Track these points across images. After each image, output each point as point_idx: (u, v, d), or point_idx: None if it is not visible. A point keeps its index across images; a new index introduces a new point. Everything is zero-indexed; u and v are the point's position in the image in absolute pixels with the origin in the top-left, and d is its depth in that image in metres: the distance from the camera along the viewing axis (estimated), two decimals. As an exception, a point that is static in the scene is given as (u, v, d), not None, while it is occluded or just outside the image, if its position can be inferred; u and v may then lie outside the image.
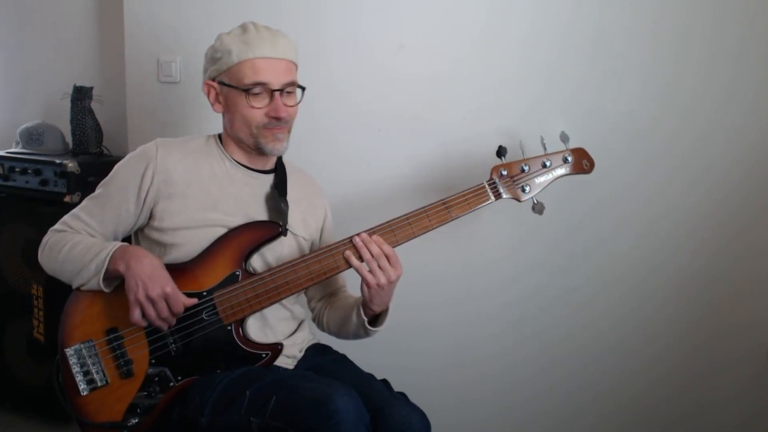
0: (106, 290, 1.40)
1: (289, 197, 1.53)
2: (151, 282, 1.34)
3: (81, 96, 2.20)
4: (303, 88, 1.50)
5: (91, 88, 2.22)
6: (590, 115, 1.73)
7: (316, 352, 1.58)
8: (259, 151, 1.47)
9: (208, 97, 1.51)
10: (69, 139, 2.28)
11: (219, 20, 1.97)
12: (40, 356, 2.14)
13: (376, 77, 1.92)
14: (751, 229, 1.67)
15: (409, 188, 1.89)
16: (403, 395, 1.44)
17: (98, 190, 1.48)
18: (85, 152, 2.22)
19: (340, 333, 1.56)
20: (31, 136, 2.28)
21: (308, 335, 1.60)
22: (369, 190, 1.95)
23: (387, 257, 1.39)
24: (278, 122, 1.45)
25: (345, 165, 1.96)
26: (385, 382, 1.48)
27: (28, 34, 2.55)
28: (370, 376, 1.48)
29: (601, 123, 1.73)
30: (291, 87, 1.47)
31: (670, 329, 1.77)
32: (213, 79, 1.48)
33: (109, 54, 2.41)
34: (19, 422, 2.23)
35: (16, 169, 2.14)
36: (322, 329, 1.62)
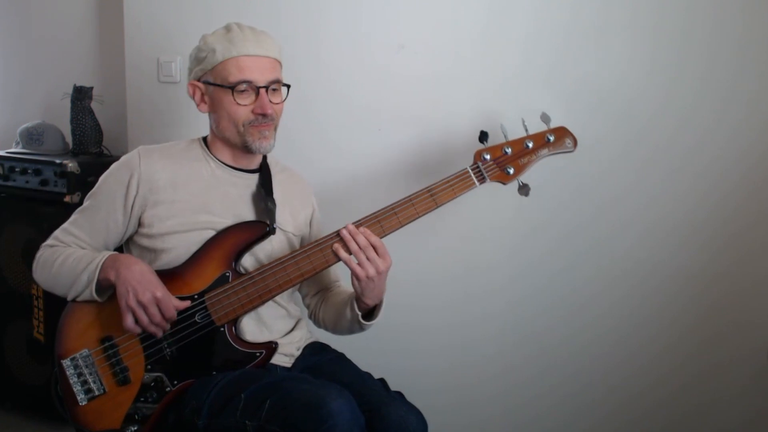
0: (99, 300, 1.41)
1: (276, 195, 1.53)
2: (141, 287, 1.34)
3: (81, 96, 2.20)
4: (288, 86, 1.51)
5: (91, 88, 2.22)
6: (590, 114, 1.73)
7: (313, 351, 1.58)
8: (246, 149, 1.48)
9: (194, 97, 1.51)
10: (69, 139, 2.28)
11: (219, 20, 1.97)
12: (40, 356, 2.14)
13: (375, 77, 1.92)
14: (751, 229, 1.67)
15: (409, 186, 1.89)
16: (400, 394, 1.44)
17: (86, 203, 1.50)
18: (85, 152, 2.22)
19: (336, 328, 1.57)
20: (31, 136, 2.28)
21: (306, 333, 1.60)
22: (367, 186, 1.94)
23: (374, 248, 1.39)
24: (264, 119, 1.46)
25: (344, 163, 1.96)
26: (382, 381, 1.48)
27: (28, 34, 2.55)
28: (368, 375, 1.48)
29: (600, 123, 1.73)
30: (276, 84, 1.48)
31: (671, 329, 1.77)
32: (198, 79, 1.49)
33: (109, 54, 2.41)
34: (19, 422, 2.23)
35: (16, 169, 2.14)
36: (318, 326, 1.63)
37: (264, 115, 1.45)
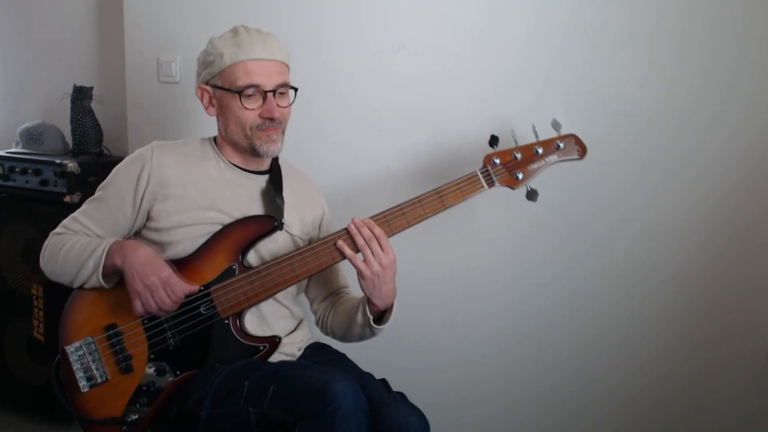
0: (106, 286, 1.42)
1: (285, 197, 1.53)
2: (146, 270, 1.36)
3: (81, 96, 2.20)
4: (296, 89, 1.52)
5: (91, 88, 2.23)
6: (589, 115, 1.73)
7: (314, 351, 1.58)
8: (254, 152, 1.48)
9: (202, 100, 1.52)
10: (69, 139, 2.28)
11: (219, 20, 1.97)
12: (40, 356, 2.14)
13: (375, 77, 1.92)
14: (751, 229, 1.67)
15: (409, 185, 1.89)
16: (401, 395, 1.44)
17: (97, 194, 1.50)
18: (85, 152, 2.22)
19: (345, 335, 1.56)
20: (31, 136, 2.28)
21: (307, 334, 1.61)
22: (368, 186, 1.95)
23: (378, 239, 1.39)
24: (272, 123, 1.46)
25: (345, 163, 1.97)
26: (383, 381, 1.47)
27: (29, 35, 2.55)
28: (369, 376, 1.48)
29: (600, 123, 1.73)
30: (283, 88, 1.48)
31: (671, 329, 1.77)
32: (206, 83, 1.50)
33: (109, 54, 2.41)
34: (19, 422, 2.23)
35: (16, 169, 2.14)
36: (326, 333, 1.62)
37: (271, 119, 1.45)
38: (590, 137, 1.61)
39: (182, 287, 1.39)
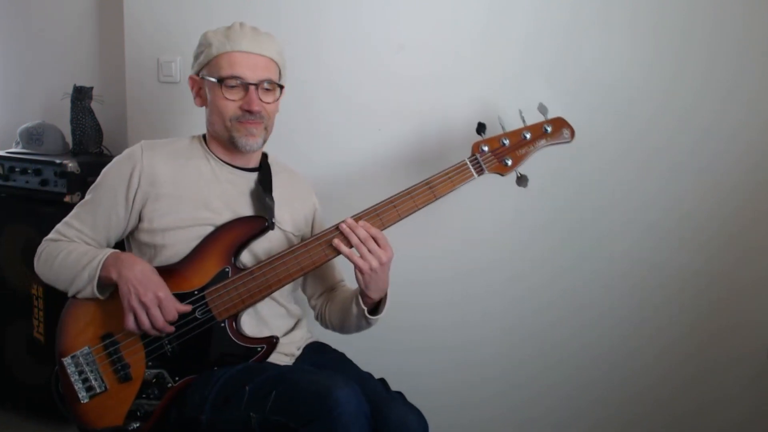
0: (101, 297, 1.41)
1: (276, 195, 1.53)
2: (143, 287, 1.35)
3: (81, 96, 2.20)
4: (282, 87, 1.51)
5: (91, 88, 2.22)
6: (589, 115, 1.73)
7: (314, 351, 1.58)
8: (233, 145, 1.48)
9: (192, 91, 1.53)
10: (69, 139, 2.28)
11: (219, 20, 1.96)
12: (40, 356, 2.14)
13: (375, 76, 1.92)
14: (751, 229, 1.67)
15: (407, 181, 1.89)
16: (400, 395, 1.44)
17: (88, 196, 1.49)
18: (85, 152, 2.22)
19: (343, 327, 1.56)
20: (31, 136, 2.28)
21: (306, 333, 1.61)
22: (365, 182, 1.94)
23: (375, 239, 1.39)
24: (251, 116, 1.45)
25: (344, 161, 1.96)
26: (382, 381, 1.48)
27: (28, 34, 2.55)
28: (368, 375, 1.48)
29: (600, 123, 1.73)
30: (269, 84, 1.47)
31: (671, 329, 1.77)
32: (197, 74, 1.51)
33: (109, 54, 2.40)
34: (19, 422, 2.23)
35: (16, 169, 2.14)
36: (326, 326, 1.62)
37: (250, 112, 1.44)
38: (590, 137, 1.61)
39: (177, 307, 1.38)
